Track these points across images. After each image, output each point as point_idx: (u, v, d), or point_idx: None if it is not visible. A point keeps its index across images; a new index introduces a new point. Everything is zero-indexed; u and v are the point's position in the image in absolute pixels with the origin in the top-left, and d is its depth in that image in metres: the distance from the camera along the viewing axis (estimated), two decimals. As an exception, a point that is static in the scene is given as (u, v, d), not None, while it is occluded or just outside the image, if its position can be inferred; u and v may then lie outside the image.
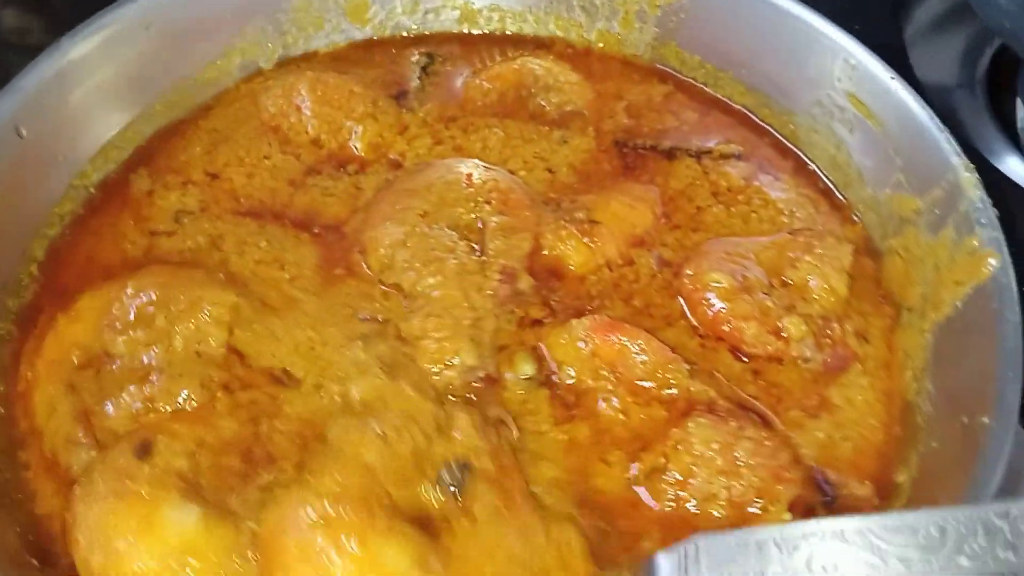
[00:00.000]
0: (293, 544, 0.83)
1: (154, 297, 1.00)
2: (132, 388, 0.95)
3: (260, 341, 1.00)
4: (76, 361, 0.99)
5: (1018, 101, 1.35)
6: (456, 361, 0.98)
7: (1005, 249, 0.94)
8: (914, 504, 0.88)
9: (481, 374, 0.98)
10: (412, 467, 0.89)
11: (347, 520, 0.83)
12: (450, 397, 0.97)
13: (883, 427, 0.98)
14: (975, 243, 0.95)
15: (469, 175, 1.12)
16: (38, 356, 1.00)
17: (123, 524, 0.84)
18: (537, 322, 1.03)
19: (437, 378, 0.97)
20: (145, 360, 0.97)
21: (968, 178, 0.99)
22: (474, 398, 0.97)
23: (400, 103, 1.25)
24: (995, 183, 1.09)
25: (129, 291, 1.00)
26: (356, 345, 0.99)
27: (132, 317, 0.99)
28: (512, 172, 1.16)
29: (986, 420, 0.84)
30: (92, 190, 1.15)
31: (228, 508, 0.88)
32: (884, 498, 0.92)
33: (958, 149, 1.02)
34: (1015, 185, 1.24)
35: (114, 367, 0.98)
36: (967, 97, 1.36)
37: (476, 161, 1.15)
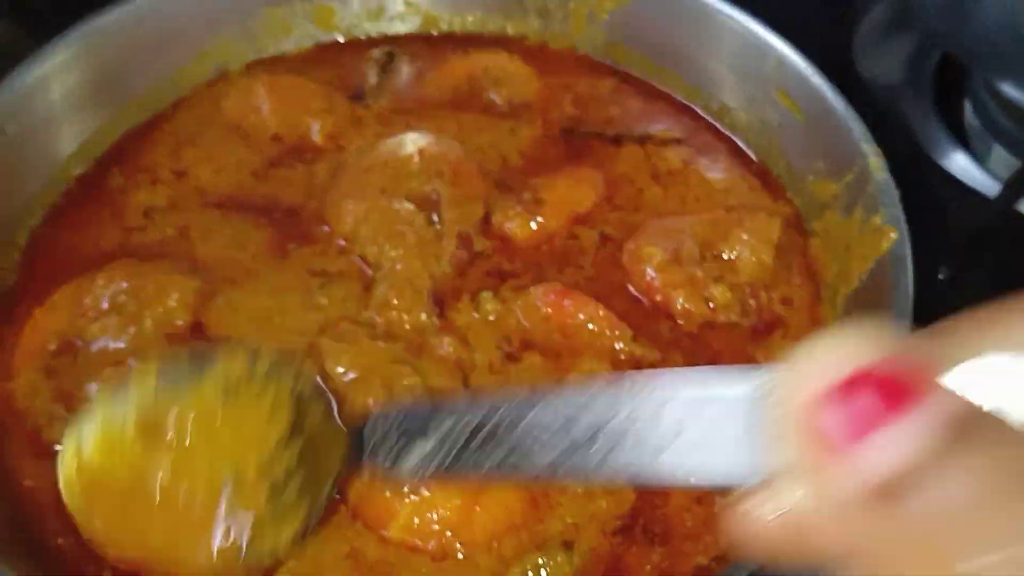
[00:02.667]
0: (383, 496, 0.92)
1: (124, 286, 1.08)
2: (108, 370, 1.02)
3: (220, 315, 1.08)
4: (54, 348, 1.06)
5: (965, 101, 1.40)
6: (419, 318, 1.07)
7: (904, 225, 1.02)
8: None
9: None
10: None
11: None
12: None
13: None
14: (878, 221, 1.04)
15: (420, 149, 1.20)
16: (16, 348, 1.07)
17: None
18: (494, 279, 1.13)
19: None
20: (118, 344, 1.05)
21: (876, 162, 1.07)
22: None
23: (356, 100, 1.33)
24: (939, 180, 1.24)
25: (100, 282, 1.08)
26: (313, 311, 1.08)
27: (105, 305, 1.07)
28: (464, 157, 1.24)
29: None
30: (71, 184, 1.23)
31: None
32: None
33: (869, 137, 1.09)
34: (956, 180, 1.30)
35: (90, 351, 1.05)
36: (914, 98, 1.43)
37: (425, 135, 1.23)
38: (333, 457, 0.80)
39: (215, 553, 0.77)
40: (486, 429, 0.66)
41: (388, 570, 0.92)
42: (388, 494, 0.92)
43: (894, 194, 1.04)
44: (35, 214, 1.19)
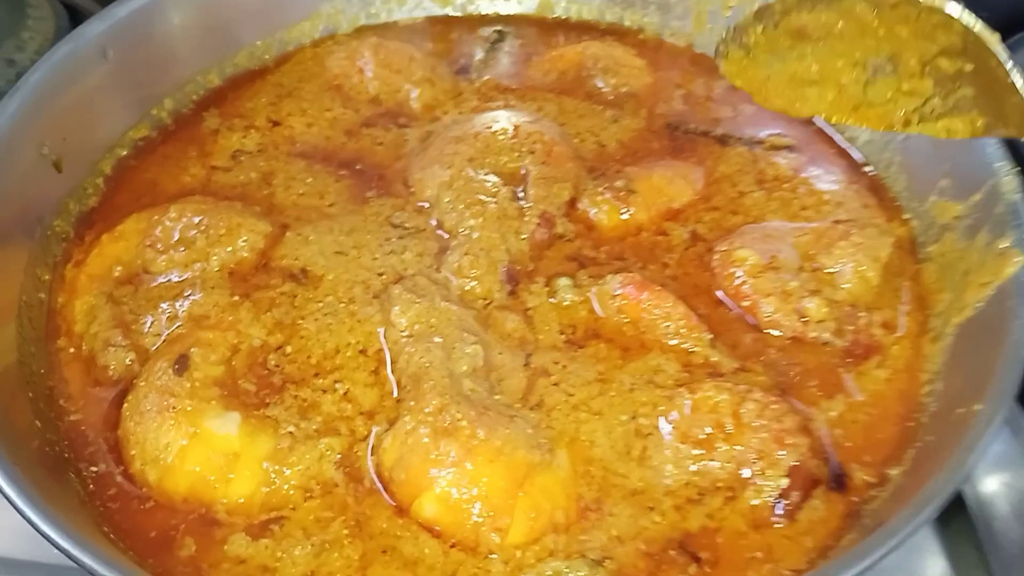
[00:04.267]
0: (424, 459, 0.86)
1: (195, 221, 1.06)
2: (168, 303, 1.01)
3: (290, 247, 1.06)
4: (117, 276, 1.05)
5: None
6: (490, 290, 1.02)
7: None
8: (899, 496, 0.84)
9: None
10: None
11: (460, 422, 0.87)
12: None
13: (892, 422, 0.94)
14: (1005, 244, 0.94)
15: (516, 126, 1.15)
16: (83, 268, 1.07)
17: (172, 439, 0.89)
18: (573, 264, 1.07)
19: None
20: (181, 278, 1.04)
21: (1008, 181, 0.97)
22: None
23: (460, 73, 1.31)
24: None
25: (172, 215, 1.07)
26: (391, 256, 1.05)
27: (174, 239, 1.06)
28: (561, 138, 1.19)
29: (978, 407, 0.82)
30: (166, 122, 1.23)
31: (267, 415, 0.92)
32: (872, 487, 0.89)
33: (1003, 154, 0.99)
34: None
35: (153, 284, 1.04)
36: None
37: (523, 113, 1.19)
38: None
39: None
40: None
41: (391, 543, 0.86)
42: (431, 455, 0.86)
43: (1025, 217, 0.94)
44: (125, 145, 1.19)
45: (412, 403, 0.90)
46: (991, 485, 0.98)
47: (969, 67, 0.85)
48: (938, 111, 0.89)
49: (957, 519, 0.99)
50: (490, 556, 0.84)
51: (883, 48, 0.90)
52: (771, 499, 0.87)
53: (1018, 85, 0.82)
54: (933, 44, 0.87)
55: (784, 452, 0.88)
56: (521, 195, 1.10)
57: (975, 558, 0.98)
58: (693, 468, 0.89)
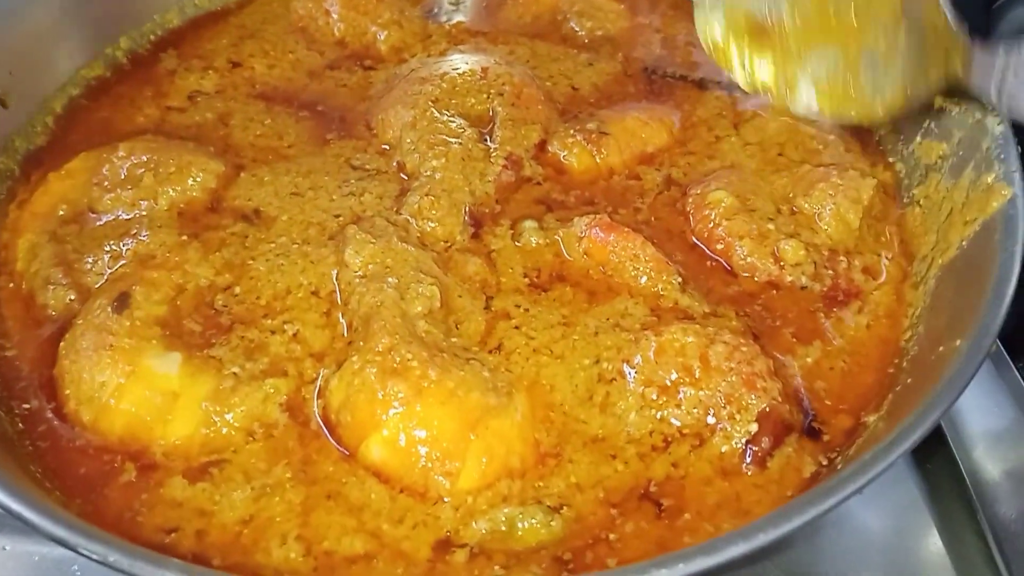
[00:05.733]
0: (371, 400, 0.81)
1: (145, 159, 1.02)
2: (113, 243, 0.97)
3: (244, 188, 1.02)
4: (63, 215, 1.01)
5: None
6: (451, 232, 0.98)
7: (1020, 183, 0.87)
8: (870, 442, 0.79)
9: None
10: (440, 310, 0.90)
11: (410, 362, 0.82)
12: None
13: (871, 369, 0.90)
14: (991, 179, 0.90)
15: (484, 68, 1.11)
16: (27, 207, 1.02)
17: (108, 378, 0.84)
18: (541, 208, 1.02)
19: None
20: (128, 216, 0.99)
21: (994, 117, 0.93)
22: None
23: (429, 15, 1.26)
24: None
25: (121, 153, 1.03)
26: (349, 198, 1.01)
27: (122, 177, 1.01)
28: (531, 82, 1.14)
29: (959, 343, 0.77)
30: (122, 62, 1.18)
31: (211, 355, 0.88)
32: (849, 435, 0.84)
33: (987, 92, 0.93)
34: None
35: (99, 223, 1.00)
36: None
37: (492, 56, 1.14)
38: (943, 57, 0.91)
39: None
40: None
41: (337, 488, 0.81)
42: (378, 396, 0.81)
43: (1012, 148, 0.89)
44: (78, 84, 1.15)
45: (361, 343, 0.86)
46: (987, 456, 0.95)
47: None
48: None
49: (950, 491, 0.96)
50: (440, 502, 0.80)
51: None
52: (740, 446, 0.82)
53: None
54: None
55: (754, 397, 0.83)
56: (488, 137, 1.05)
57: (969, 529, 0.94)
58: (658, 415, 0.84)
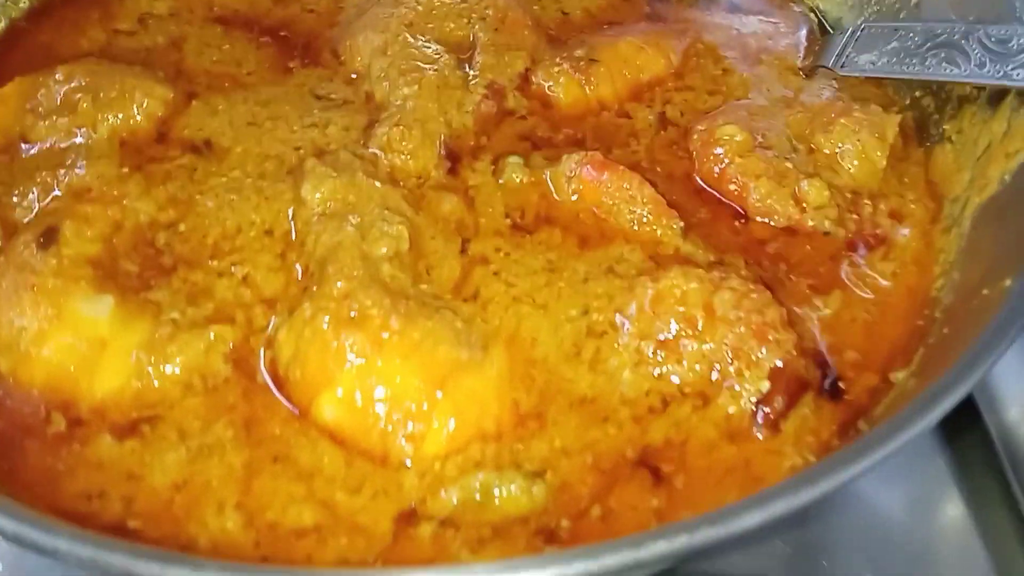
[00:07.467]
0: (324, 353, 0.72)
1: (83, 84, 0.92)
2: (45, 174, 0.86)
3: (194, 117, 0.92)
4: None
5: None
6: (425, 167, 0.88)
7: None
8: (899, 402, 0.69)
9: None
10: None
11: (369, 309, 0.72)
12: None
13: (898, 320, 0.80)
14: None
15: (465, -10, 1.00)
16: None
17: (29, 322, 0.75)
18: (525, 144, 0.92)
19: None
20: (64, 145, 0.89)
21: None
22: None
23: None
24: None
25: (58, 76, 0.93)
26: (311, 129, 0.91)
27: (58, 102, 0.92)
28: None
29: (1008, 282, 0.67)
30: (66, -20, 1.08)
31: (149, 299, 0.78)
32: (874, 395, 0.74)
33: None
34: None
35: (31, 152, 0.90)
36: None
37: (474, -21, 1.03)
38: None
39: None
40: None
41: (284, 450, 0.70)
42: (332, 348, 0.70)
43: (1059, 69, 0.78)
44: (18, 5, 1.05)
45: (315, 289, 0.75)
46: (1016, 413, 0.85)
47: None
48: None
49: (974, 454, 0.88)
50: (403, 468, 0.69)
51: None
52: (749, 406, 0.72)
53: None
54: None
55: (766, 350, 0.73)
56: (467, 64, 0.95)
57: (996, 494, 0.85)
58: (656, 372, 0.74)
